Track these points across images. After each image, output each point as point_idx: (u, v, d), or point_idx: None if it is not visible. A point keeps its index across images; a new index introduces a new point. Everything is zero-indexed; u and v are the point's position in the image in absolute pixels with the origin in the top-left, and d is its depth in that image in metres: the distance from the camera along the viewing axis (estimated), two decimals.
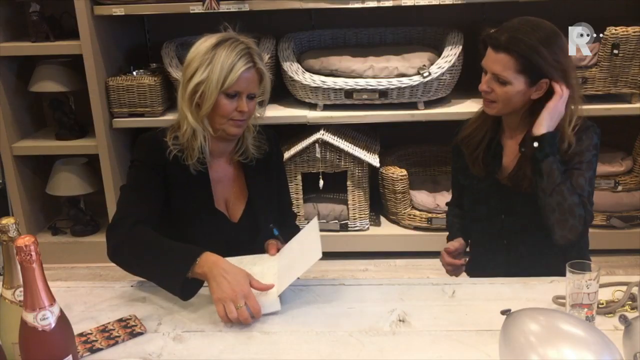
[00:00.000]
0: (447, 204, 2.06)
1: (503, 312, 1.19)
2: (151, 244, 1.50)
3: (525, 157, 1.66)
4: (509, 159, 1.73)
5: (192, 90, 1.57)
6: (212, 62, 1.55)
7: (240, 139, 1.71)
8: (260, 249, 1.68)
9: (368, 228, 3.15)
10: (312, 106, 3.03)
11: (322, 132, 2.96)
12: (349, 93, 2.93)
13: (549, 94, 1.61)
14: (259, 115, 1.70)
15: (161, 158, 1.62)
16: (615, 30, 2.76)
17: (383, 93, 2.91)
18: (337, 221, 3.12)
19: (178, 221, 1.65)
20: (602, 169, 3.03)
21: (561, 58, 1.60)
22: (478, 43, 1.70)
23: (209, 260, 1.42)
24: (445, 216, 2.06)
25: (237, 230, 1.70)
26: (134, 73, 3.05)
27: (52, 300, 1.06)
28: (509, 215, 1.74)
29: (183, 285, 1.43)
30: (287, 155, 2.96)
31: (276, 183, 1.81)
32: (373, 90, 2.91)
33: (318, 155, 2.99)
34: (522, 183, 1.67)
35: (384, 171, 3.09)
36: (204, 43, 1.59)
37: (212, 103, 1.56)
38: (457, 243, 1.84)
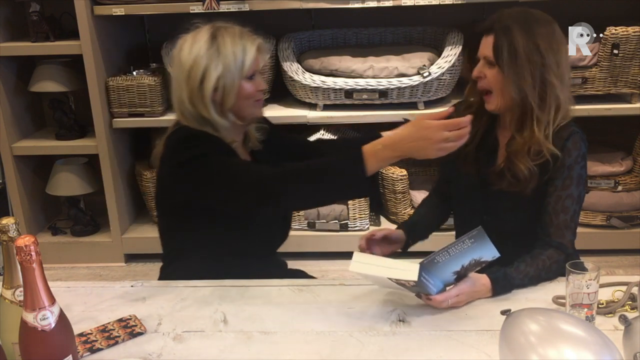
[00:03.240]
0: (431, 190, 1.96)
1: (503, 312, 1.19)
2: (311, 166, 1.47)
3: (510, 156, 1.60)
4: (503, 155, 1.65)
5: (212, 89, 1.52)
6: (220, 53, 1.51)
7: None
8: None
9: (368, 228, 3.15)
10: (312, 106, 3.03)
11: (322, 132, 2.96)
12: (349, 93, 2.93)
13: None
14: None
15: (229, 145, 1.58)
16: (615, 30, 2.76)
17: (383, 93, 2.91)
18: (337, 221, 3.11)
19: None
20: (602, 169, 3.03)
21: (542, 46, 1.54)
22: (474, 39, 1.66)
23: (377, 148, 1.40)
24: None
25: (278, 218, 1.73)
26: (134, 73, 3.05)
27: (52, 300, 1.06)
28: (490, 216, 1.66)
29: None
30: None
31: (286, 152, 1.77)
32: (373, 90, 2.91)
33: None
34: (502, 182, 1.60)
35: (384, 171, 3.09)
36: (197, 42, 1.53)
37: (237, 92, 1.53)
38: (396, 232, 1.76)
